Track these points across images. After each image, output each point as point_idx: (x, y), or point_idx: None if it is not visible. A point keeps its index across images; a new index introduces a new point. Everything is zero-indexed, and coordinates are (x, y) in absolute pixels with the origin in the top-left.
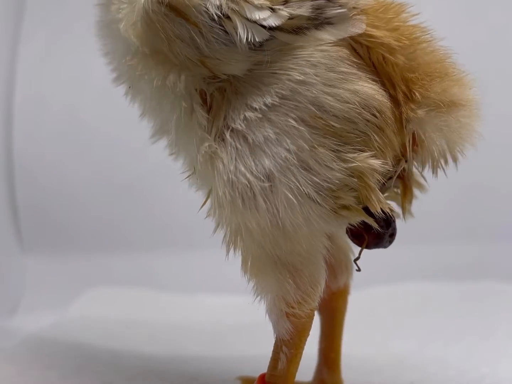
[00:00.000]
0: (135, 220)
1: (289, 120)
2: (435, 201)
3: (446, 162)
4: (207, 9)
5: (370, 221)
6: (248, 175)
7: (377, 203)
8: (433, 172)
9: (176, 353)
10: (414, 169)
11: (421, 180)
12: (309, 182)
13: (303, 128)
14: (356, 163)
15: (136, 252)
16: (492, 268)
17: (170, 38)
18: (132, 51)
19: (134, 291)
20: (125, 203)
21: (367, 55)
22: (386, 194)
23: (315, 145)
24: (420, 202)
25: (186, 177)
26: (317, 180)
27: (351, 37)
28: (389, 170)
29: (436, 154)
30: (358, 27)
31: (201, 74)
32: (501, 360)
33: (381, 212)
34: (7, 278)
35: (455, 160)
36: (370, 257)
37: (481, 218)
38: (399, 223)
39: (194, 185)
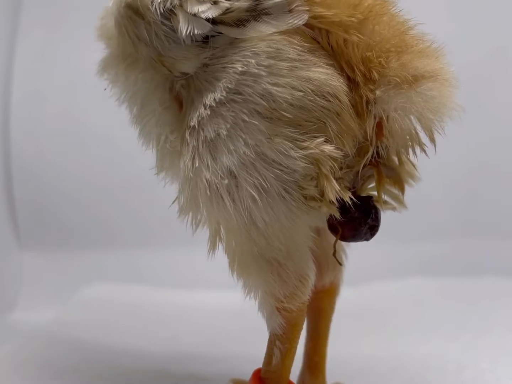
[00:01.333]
0: (133, 217)
1: (240, 114)
2: (434, 197)
3: (420, 142)
4: (153, 5)
5: (333, 211)
6: (208, 174)
7: (331, 191)
8: (414, 154)
9: (173, 350)
10: (400, 157)
11: (412, 169)
12: (271, 175)
13: (256, 122)
14: (310, 150)
15: (134, 249)
16: (491, 264)
17: (134, 40)
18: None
19: (132, 288)
20: (122, 200)
21: (326, 39)
22: (371, 185)
23: (272, 136)
24: (419, 198)
25: (155, 174)
26: (280, 172)
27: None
28: (349, 157)
29: (405, 134)
30: (299, 18)
31: (166, 73)
32: (501, 355)
33: (336, 201)
34: (5, 275)
35: (431, 139)
36: (369, 253)
37: (480, 214)
38: (398, 219)
39: (166, 180)
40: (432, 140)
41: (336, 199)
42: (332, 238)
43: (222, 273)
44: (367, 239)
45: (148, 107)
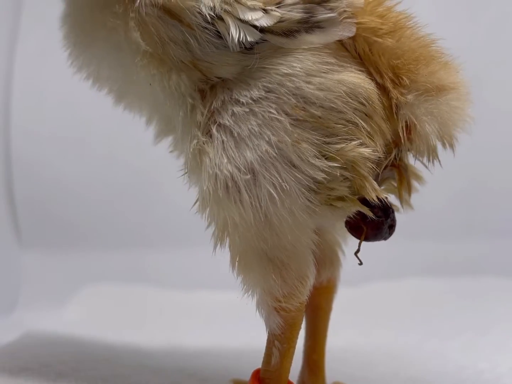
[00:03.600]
0: (134, 216)
1: (271, 110)
2: (434, 197)
3: (443, 145)
4: (201, 11)
5: (365, 210)
6: (230, 167)
7: (372, 191)
8: (429, 161)
9: (174, 349)
10: (412, 160)
11: (419, 172)
12: (291, 178)
13: (283, 119)
14: (345, 153)
15: (135, 248)
16: (490, 263)
17: (163, 41)
18: (140, 51)
19: (132, 288)
20: (124, 199)
21: (353, 47)
22: (383, 187)
23: (298, 140)
24: (419, 198)
25: (182, 175)
26: (300, 176)
27: None
28: (380, 158)
29: (430, 139)
30: (348, 31)
31: (195, 75)
32: (500, 355)
33: (376, 199)
34: (6, 275)
35: (451, 145)
36: (370, 252)
37: (480, 214)
38: (398, 219)
39: (190, 182)
40: (451, 146)
41: (361, 199)
42: (329, 236)
43: (222, 273)
44: (385, 239)
45: (187, 110)
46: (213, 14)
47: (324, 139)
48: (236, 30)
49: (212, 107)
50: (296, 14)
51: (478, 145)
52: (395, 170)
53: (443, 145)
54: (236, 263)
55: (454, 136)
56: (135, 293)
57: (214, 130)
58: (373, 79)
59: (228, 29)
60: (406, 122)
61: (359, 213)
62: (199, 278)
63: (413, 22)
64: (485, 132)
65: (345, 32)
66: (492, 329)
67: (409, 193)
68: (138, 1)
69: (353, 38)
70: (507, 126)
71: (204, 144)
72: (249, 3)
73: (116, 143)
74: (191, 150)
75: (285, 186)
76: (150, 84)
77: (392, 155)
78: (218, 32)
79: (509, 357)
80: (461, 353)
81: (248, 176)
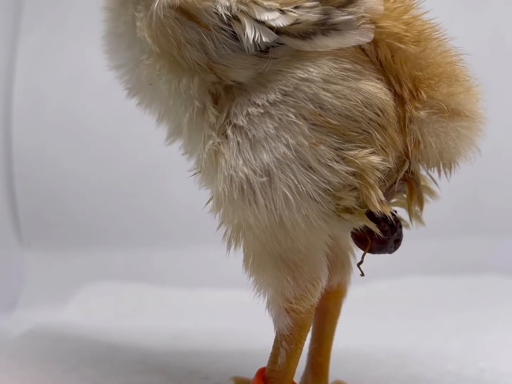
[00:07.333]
0: (134, 215)
1: (289, 114)
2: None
3: (439, 170)
4: (217, 11)
5: (372, 226)
6: (246, 169)
7: (377, 203)
8: (439, 174)
9: (175, 348)
10: (423, 173)
11: (431, 186)
12: (308, 180)
13: (301, 123)
14: (357, 160)
15: (135, 246)
16: (491, 262)
17: (180, 43)
18: (147, 51)
19: (133, 286)
20: (124, 197)
21: (375, 53)
22: (394, 200)
23: (316, 142)
24: None
25: (193, 175)
26: (317, 179)
27: None
28: (390, 169)
29: (431, 159)
30: (366, 36)
31: (209, 78)
32: (501, 353)
33: (381, 212)
34: (6, 273)
35: (449, 168)
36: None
37: (482, 213)
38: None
39: (202, 183)
40: (449, 170)
41: (368, 212)
42: (341, 241)
43: (224, 271)
44: (390, 252)
45: (197, 111)
46: (229, 14)
47: (339, 145)
48: (251, 30)
49: (228, 109)
50: (313, 15)
51: (481, 144)
52: (406, 185)
53: (439, 169)
54: (250, 264)
55: (454, 162)
56: (136, 291)
57: (229, 131)
58: (391, 88)
59: (244, 29)
60: (413, 137)
61: (366, 226)
62: (201, 277)
63: (439, 33)
64: (488, 130)
65: (363, 37)
66: (493, 328)
67: (421, 208)
68: (157, 3)
69: (375, 44)
70: (508, 123)
71: (220, 145)
72: (265, 3)
73: (117, 141)
74: (206, 150)
75: (302, 188)
76: (151, 84)
77: (405, 168)
78: (234, 33)
79: (510, 356)
80: (462, 351)
81: (264, 179)
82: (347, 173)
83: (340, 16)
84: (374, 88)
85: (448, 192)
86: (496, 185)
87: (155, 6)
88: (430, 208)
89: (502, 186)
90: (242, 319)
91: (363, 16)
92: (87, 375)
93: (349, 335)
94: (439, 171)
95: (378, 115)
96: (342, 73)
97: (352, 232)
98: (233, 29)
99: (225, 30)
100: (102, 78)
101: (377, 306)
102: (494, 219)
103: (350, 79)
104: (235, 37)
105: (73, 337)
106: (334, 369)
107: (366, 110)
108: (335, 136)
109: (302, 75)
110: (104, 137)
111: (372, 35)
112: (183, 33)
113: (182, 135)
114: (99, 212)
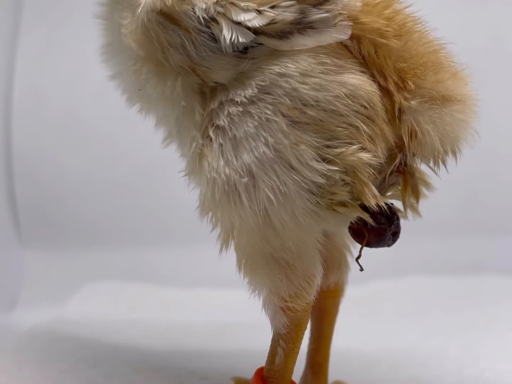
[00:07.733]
0: (134, 214)
1: (267, 112)
2: (436, 195)
3: (443, 157)
4: (195, 13)
5: (366, 216)
6: (228, 170)
7: (371, 198)
8: (434, 165)
9: (175, 348)
10: (418, 165)
11: (428, 178)
12: (290, 181)
13: (279, 120)
14: (344, 158)
15: (135, 246)
16: (491, 262)
17: (163, 46)
18: (134, 56)
19: (133, 286)
20: (124, 197)
21: (358, 49)
22: (390, 192)
23: (297, 142)
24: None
25: (183, 176)
26: (298, 179)
27: None
28: (381, 163)
29: (432, 148)
30: (343, 33)
31: (193, 80)
32: (501, 354)
33: (376, 206)
34: (6, 273)
35: (453, 154)
36: (371, 251)
37: (482, 212)
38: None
39: (192, 185)
40: (454, 155)
41: (362, 205)
42: (337, 239)
43: (224, 271)
44: (388, 245)
45: (184, 113)
46: (206, 16)
47: (325, 142)
48: (229, 31)
49: (210, 109)
50: (289, 14)
51: (481, 143)
52: (400, 177)
53: (443, 156)
54: (242, 265)
55: (456, 148)
56: (136, 291)
57: (211, 133)
58: (375, 81)
59: (221, 31)
60: (408, 127)
61: (362, 219)
62: (201, 276)
63: (421, 26)
64: (485, 128)
65: (340, 34)
66: (493, 328)
67: (417, 199)
68: (141, 8)
69: (358, 40)
70: (507, 123)
71: (203, 147)
72: (242, 4)
73: (116, 141)
74: (191, 153)
75: (284, 189)
76: (139, 90)
77: (397, 161)
78: (213, 35)
79: (510, 356)
80: (462, 351)
81: (246, 179)
82: (332, 171)
83: (316, 14)
84: (358, 81)
85: (448, 192)
86: (496, 185)
87: (139, 10)
88: (430, 208)
89: (502, 186)
90: (242, 318)
91: (340, 14)
92: (87, 375)
93: (349, 335)
94: (443, 161)
95: (365, 107)
96: (321, 67)
97: (349, 227)
98: (211, 30)
99: (204, 32)
100: (102, 78)
101: (377, 306)
102: (494, 219)
103: (330, 73)
104: (214, 38)
105: (73, 337)
106: (334, 369)
107: (351, 102)
108: (319, 134)
109: (279, 70)
110: (104, 137)
111: (349, 32)
112: (166, 37)
113: (175, 137)
114: (99, 212)
